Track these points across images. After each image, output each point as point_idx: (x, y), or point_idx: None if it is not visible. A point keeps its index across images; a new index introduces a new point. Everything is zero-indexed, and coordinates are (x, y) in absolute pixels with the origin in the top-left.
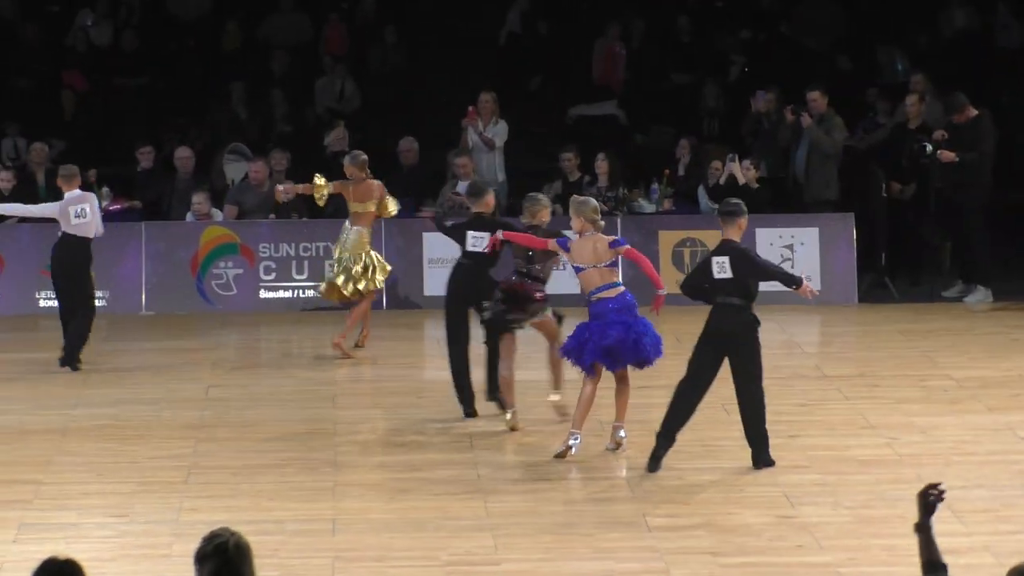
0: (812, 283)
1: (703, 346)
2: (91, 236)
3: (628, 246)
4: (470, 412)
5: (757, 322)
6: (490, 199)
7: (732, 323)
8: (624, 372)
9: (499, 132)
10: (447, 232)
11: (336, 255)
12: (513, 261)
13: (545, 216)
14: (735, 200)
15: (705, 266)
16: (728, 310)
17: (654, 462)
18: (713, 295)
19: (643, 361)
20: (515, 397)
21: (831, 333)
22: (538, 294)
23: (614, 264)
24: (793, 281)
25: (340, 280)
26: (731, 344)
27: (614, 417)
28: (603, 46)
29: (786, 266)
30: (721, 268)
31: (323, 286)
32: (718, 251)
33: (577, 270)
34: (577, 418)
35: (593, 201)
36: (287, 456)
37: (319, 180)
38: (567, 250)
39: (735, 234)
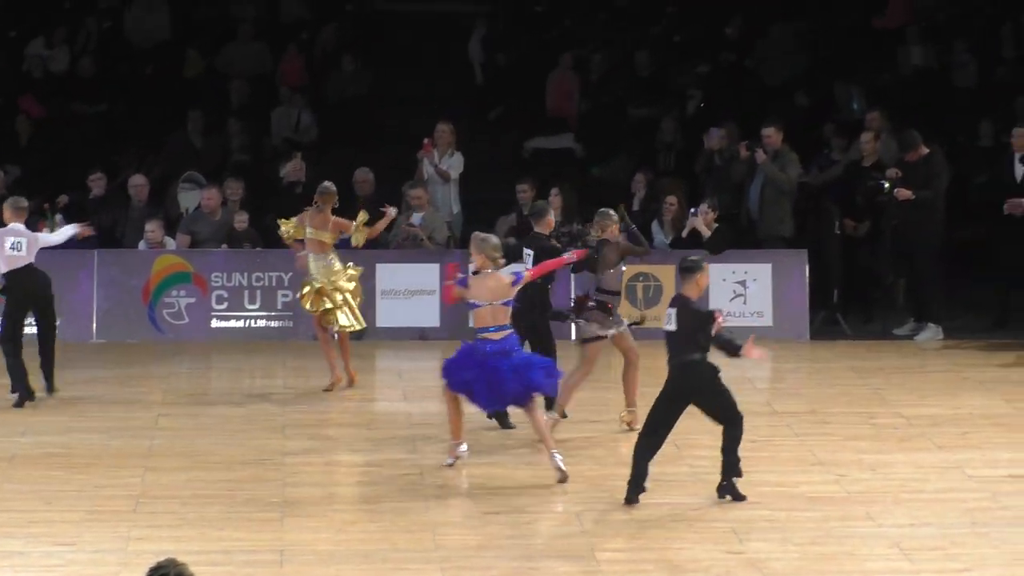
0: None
1: (665, 403)
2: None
3: (527, 274)
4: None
5: (717, 369)
6: (550, 219)
7: (693, 380)
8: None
9: (454, 164)
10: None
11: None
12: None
13: (616, 231)
14: (694, 258)
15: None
16: (687, 368)
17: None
18: (669, 351)
19: (513, 400)
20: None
21: (782, 369)
22: (590, 303)
23: (509, 303)
24: (735, 349)
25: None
26: (696, 397)
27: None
28: (556, 77)
29: (738, 302)
30: (668, 319)
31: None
32: (671, 303)
33: (472, 306)
34: (454, 430)
35: (494, 239)
36: (236, 486)
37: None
38: (465, 287)
39: (693, 291)
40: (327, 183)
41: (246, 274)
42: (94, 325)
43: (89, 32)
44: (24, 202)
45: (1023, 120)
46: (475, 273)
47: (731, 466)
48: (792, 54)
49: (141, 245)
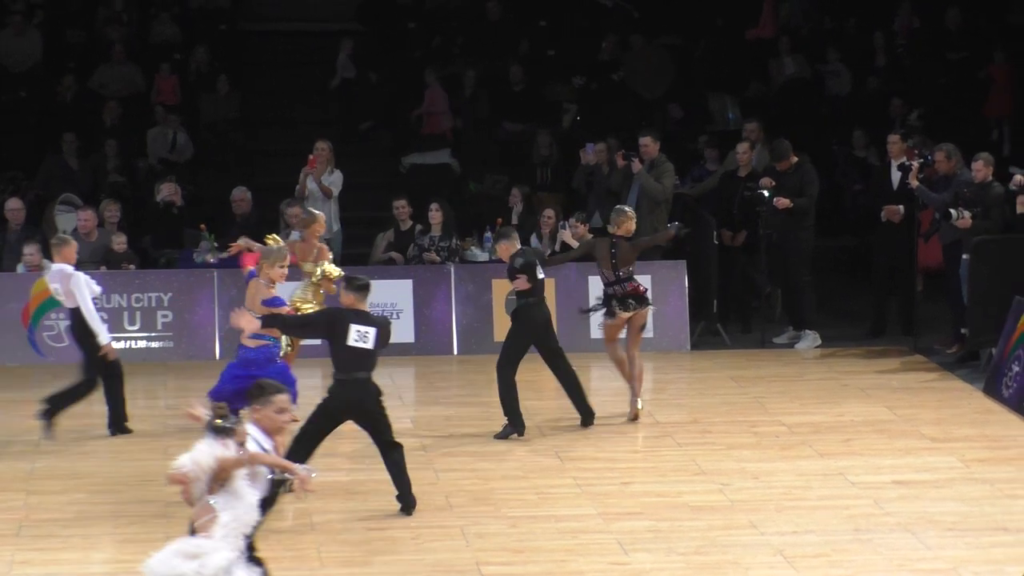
0: (645, 330)
1: (323, 416)
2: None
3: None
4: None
5: (381, 391)
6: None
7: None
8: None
9: (335, 181)
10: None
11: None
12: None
13: (631, 227)
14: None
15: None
16: (355, 385)
17: None
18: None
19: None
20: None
21: (663, 380)
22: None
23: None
24: None
25: None
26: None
27: None
28: (428, 94)
29: None
30: (364, 337)
31: None
32: (368, 322)
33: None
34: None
35: (286, 250)
36: (119, 507)
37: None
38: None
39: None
40: (310, 209)
41: (125, 295)
42: None
43: None
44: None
45: (897, 128)
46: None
47: (406, 486)
48: (664, 66)
49: (19, 268)
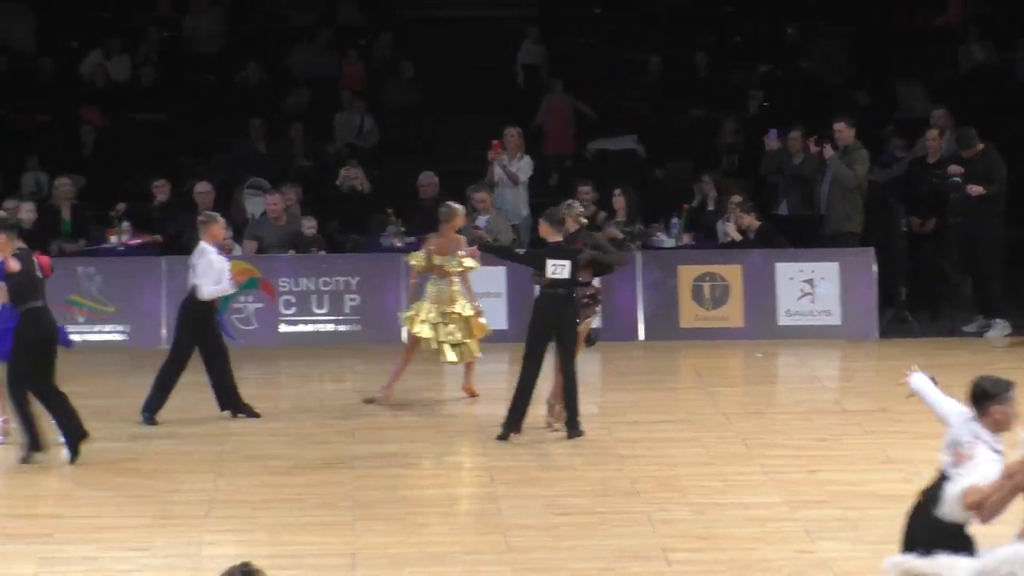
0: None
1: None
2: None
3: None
4: (506, 435)
5: None
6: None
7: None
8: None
9: (523, 167)
10: (519, 259)
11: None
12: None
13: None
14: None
15: None
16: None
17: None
18: None
19: None
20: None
21: (851, 368)
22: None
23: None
24: None
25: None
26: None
27: None
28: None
29: (806, 301)
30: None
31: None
32: None
33: None
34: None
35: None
36: (307, 490)
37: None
38: None
39: None
40: (450, 203)
41: (313, 279)
42: (164, 331)
43: (150, 41)
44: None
45: None
46: None
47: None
48: (851, 53)
49: None
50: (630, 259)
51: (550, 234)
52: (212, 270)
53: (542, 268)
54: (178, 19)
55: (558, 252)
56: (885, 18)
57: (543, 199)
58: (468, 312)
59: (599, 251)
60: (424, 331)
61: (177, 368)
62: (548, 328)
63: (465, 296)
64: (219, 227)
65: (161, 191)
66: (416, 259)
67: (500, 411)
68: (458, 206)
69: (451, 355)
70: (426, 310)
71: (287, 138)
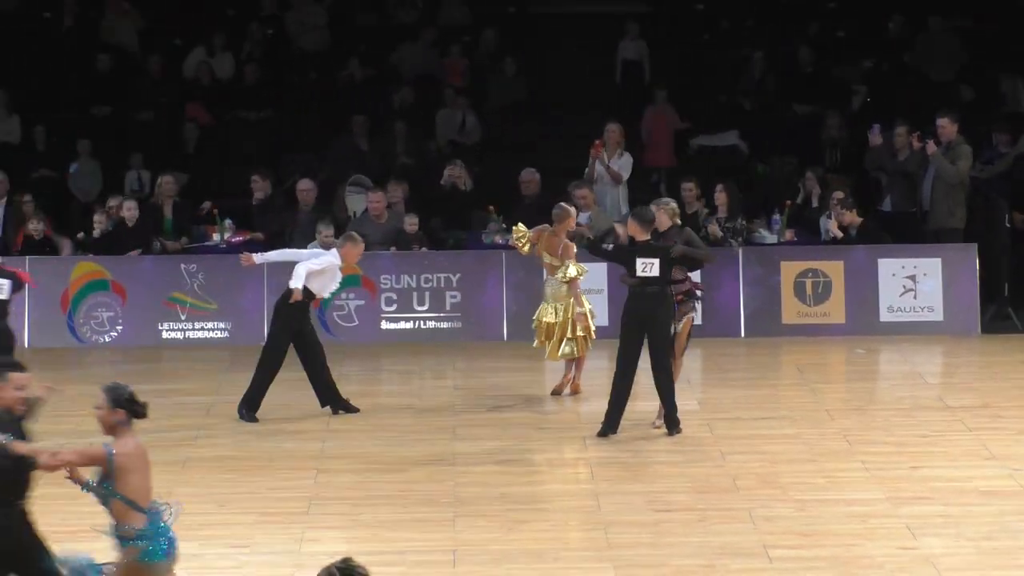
0: (935, 313)
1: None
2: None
3: None
4: (604, 434)
5: None
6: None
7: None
8: None
9: (624, 164)
10: (608, 256)
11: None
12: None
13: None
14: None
15: None
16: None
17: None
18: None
19: None
20: None
21: (954, 364)
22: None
23: None
24: None
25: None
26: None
27: None
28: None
29: (908, 297)
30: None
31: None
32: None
33: None
34: None
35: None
36: (407, 487)
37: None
38: None
39: None
40: (563, 204)
41: (415, 276)
42: (265, 328)
43: (254, 39)
44: None
45: None
46: None
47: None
48: (956, 47)
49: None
50: (731, 256)
51: (639, 233)
52: (321, 268)
53: (632, 266)
54: (281, 16)
55: (647, 250)
56: (993, 12)
57: (643, 196)
58: (579, 310)
59: (690, 247)
60: (549, 317)
61: (274, 365)
62: (639, 327)
63: (575, 298)
64: (357, 251)
65: (259, 188)
66: (519, 233)
67: (600, 407)
68: (571, 208)
69: (565, 349)
70: (545, 311)
71: (391, 135)
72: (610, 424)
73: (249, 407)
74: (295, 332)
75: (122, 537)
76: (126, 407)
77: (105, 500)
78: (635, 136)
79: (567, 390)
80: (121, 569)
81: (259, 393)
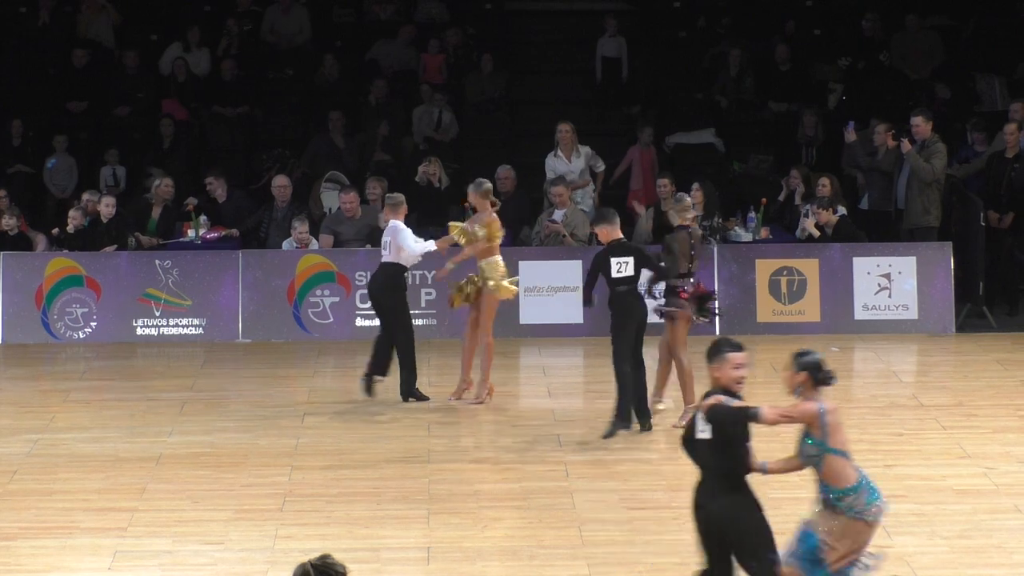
0: (909, 311)
1: None
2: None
3: None
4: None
5: None
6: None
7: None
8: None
9: (585, 158)
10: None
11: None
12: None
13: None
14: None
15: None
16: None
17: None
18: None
19: None
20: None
21: (928, 363)
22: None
23: None
24: None
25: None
26: None
27: None
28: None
29: (883, 296)
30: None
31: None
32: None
33: None
34: None
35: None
36: (381, 484)
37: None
38: None
39: None
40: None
41: None
42: (240, 325)
43: (231, 35)
44: (401, 198)
45: None
46: None
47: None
48: (932, 46)
49: (285, 245)
50: (706, 254)
51: (606, 235)
52: (411, 237)
53: (607, 269)
54: (259, 12)
55: (619, 250)
56: (968, 11)
57: (615, 191)
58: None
59: (662, 254)
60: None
61: (411, 346)
62: (625, 326)
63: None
64: (405, 207)
65: (216, 188)
66: (455, 230)
67: (575, 405)
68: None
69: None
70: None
71: (371, 132)
72: (627, 417)
73: (410, 392)
74: (403, 300)
75: (836, 498)
76: (812, 373)
77: (816, 460)
78: (623, 180)
79: (473, 395)
80: (839, 529)
81: (413, 376)
